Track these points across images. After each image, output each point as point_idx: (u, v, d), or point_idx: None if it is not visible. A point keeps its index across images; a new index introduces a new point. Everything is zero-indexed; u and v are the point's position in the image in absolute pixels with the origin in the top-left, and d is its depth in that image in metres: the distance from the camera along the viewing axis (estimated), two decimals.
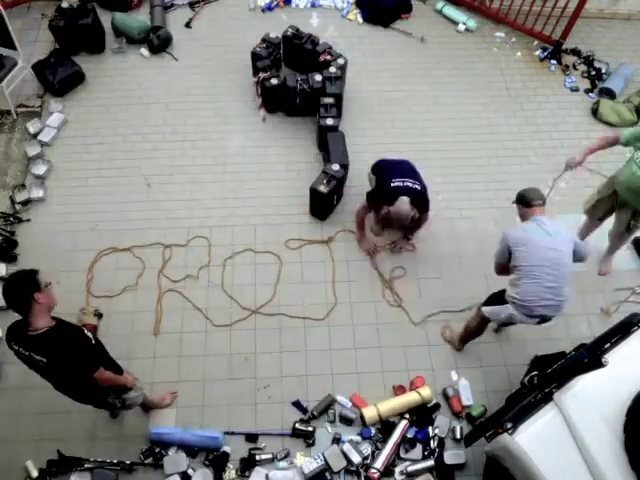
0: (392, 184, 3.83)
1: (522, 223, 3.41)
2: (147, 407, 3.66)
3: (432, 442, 3.65)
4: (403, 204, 3.74)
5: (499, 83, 5.45)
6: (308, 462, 3.53)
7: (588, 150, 3.80)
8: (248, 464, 3.55)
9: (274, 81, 4.84)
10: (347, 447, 3.58)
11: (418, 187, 3.87)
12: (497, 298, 3.46)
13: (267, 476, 3.51)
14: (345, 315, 4.14)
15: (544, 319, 3.34)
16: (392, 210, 3.75)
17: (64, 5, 5.15)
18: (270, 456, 3.57)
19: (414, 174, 4.01)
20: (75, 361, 2.74)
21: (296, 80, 4.80)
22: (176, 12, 5.77)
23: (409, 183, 3.85)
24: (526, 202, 3.38)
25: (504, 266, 3.42)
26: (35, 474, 3.48)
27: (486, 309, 3.49)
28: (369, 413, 3.67)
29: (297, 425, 3.66)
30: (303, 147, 4.92)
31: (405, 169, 4.04)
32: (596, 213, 4.16)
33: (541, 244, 3.18)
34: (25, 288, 2.60)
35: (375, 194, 4.02)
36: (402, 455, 3.62)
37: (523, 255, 3.20)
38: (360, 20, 5.82)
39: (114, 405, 3.16)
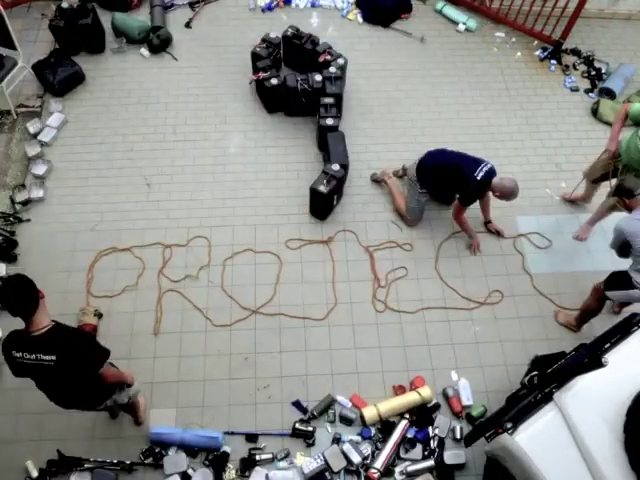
0: (477, 177, 3.95)
1: (635, 213, 3.44)
2: (128, 410, 3.54)
3: (432, 442, 3.65)
4: (504, 181, 3.95)
5: (499, 83, 5.45)
6: (308, 462, 3.54)
7: (616, 134, 4.00)
8: (248, 464, 3.55)
9: (274, 81, 4.84)
10: (347, 447, 3.58)
11: (490, 164, 4.02)
12: (618, 280, 3.56)
13: (267, 476, 3.52)
14: (345, 315, 4.13)
15: None
16: (504, 193, 3.97)
17: (64, 5, 5.15)
18: (270, 456, 3.57)
19: (469, 158, 4.10)
20: (86, 353, 2.71)
21: (296, 80, 4.80)
22: (176, 12, 5.77)
23: (485, 167, 3.99)
24: (631, 194, 3.47)
25: (623, 251, 3.53)
26: (35, 474, 3.48)
27: (613, 294, 3.64)
28: (369, 413, 3.67)
29: (297, 425, 3.66)
30: (303, 147, 4.92)
31: (465, 159, 4.10)
32: (592, 174, 4.33)
33: None
34: (32, 287, 2.58)
35: (469, 194, 4.09)
36: (402, 455, 3.62)
37: None
38: (360, 20, 5.82)
39: (113, 405, 3.16)
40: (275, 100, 5.01)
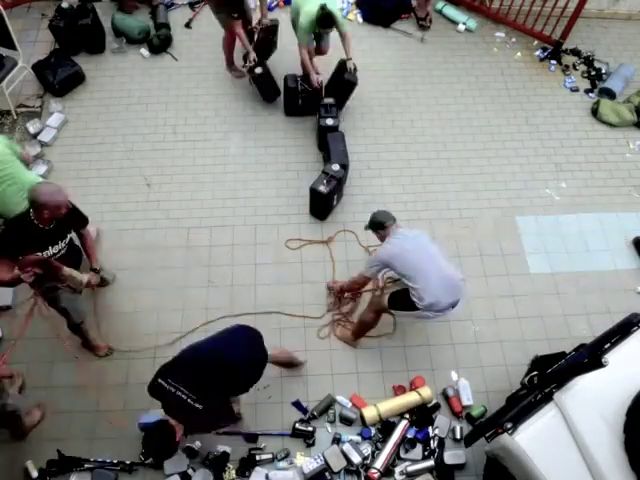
0: None
1: (388, 241, 3.53)
2: (20, 430, 3.48)
3: (432, 442, 3.65)
4: None
5: (499, 83, 5.45)
6: (308, 462, 3.53)
7: None
8: (248, 464, 3.55)
9: (258, 70, 4.77)
10: (347, 447, 3.57)
11: None
12: (401, 298, 3.50)
13: (267, 476, 3.52)
14: None
15: (454, 305, 3.51)
16: None
17: (64, 5, 5.15)
18: (270, 456, 3.57)
19: None
20: None
21: (296, 80, 4.80)
22: (176, 12, 5.77)
23: None
24: (381, 225, 3.58)
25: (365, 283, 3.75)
26: (35, 474, 3.47)
27: (399, 314, 3.71)
28: (369, 413, 3.67)
29: (297, 425, 3.66)
30: (303, 147, 4.92)
31: None
32: None
33: (412, 249, 3.43)
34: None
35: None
36: (402, 455, 3.62)
37: (403, 265, 3.41)
38: (360, 20, 5.82)
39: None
40: (268, 88, 5.01)
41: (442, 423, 3.72)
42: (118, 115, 5.04)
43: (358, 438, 3.67)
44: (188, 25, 5.68)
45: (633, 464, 2.69)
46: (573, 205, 4.72)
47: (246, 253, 4.36)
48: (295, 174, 4.76)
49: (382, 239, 3.62)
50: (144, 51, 5.43)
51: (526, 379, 3.27)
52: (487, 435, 3.05)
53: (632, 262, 4.45)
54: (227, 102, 5.17)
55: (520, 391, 3.33)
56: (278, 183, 4.71)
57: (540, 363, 3.41)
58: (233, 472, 3.53)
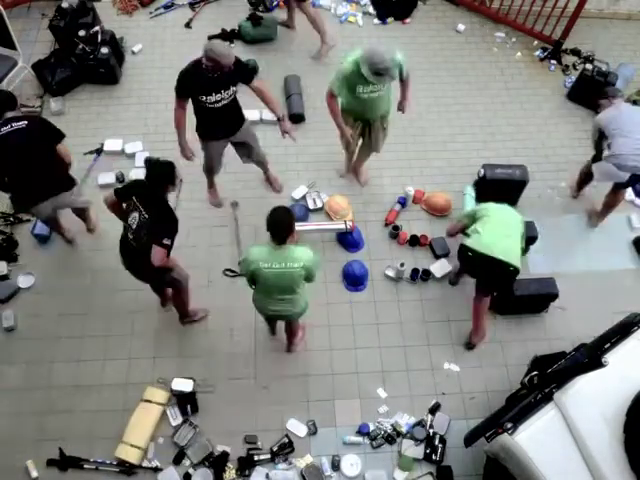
0: None
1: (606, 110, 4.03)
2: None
3: (433, 441, 3.65)
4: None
5: (499, 83, 5.45)
6: None
7: None
8: (246, 464, 3.56)
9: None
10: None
11: None
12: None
13: (267, 475, 3.52)
14: (345, 315, 4.14)
15: (635, 176, 3.93)
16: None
17: (64, 5, 5.14)
18: (269, 456, 3.58)
19: None
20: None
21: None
22: (176, 12, 5.77)
23: None
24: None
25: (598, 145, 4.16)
26: (35, 474, 3.48)
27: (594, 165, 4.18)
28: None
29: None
30: (303, 147, 4.91)
31: None
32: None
33: (630, 114, 3.96)
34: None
35: None
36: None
37: (614, 122, 3.94)
38: (360, 23, 5.79)
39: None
40: None
41: (441, 421, 3.73)
42: (118, 115, 5.04)
43: (359, 438, 3.67)
44: (188, 25, 5.68)
45: (633, 464, 2.69)
46: (573, 205, 4.72)
47: None
48: (295, 174, 4.77)
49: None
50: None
51: (526, 379, 3.28)
52: (487, 435, 3.06)
53: (632, 262, 4.46)
54: None
55: (520, 391, 3.33)
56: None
57: (540, 363, 3.41)
58: (233, 472, 3.54)
